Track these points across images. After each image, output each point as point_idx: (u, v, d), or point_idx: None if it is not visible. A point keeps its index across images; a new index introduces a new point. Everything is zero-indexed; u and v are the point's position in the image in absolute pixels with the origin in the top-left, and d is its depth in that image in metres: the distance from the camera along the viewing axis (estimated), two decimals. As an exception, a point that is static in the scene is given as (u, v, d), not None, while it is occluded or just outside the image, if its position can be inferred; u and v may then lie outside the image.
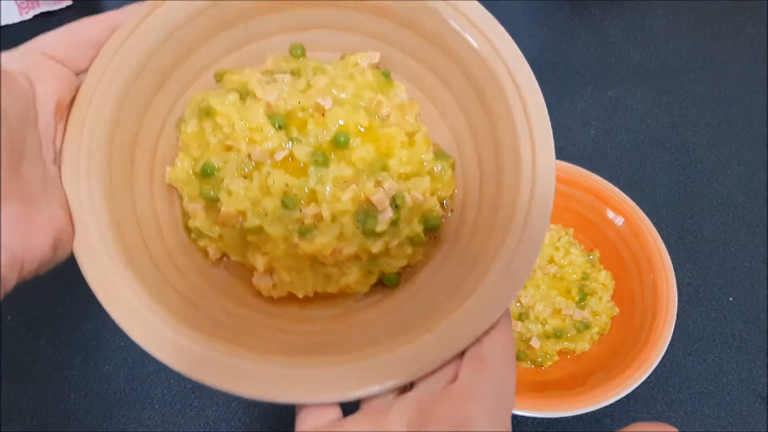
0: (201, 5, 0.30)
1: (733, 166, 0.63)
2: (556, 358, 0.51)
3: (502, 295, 0.26)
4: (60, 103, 0.27)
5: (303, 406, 0.26)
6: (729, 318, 0.55)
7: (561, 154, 0.61)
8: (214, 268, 0.31)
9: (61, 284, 0.54)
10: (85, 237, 0.26)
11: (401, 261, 0.31)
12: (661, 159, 0.64)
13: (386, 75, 0.32)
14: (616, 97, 0.68)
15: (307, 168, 0.29)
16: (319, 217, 0.29)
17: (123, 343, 0.53)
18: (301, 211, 0.29)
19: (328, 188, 0.29)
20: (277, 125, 0.30)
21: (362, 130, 0.30)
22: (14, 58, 0.26)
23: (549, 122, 0.29)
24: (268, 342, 0.28)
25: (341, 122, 0.30)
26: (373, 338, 0.27)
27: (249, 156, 0.29)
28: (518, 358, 0.51)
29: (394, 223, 0.30)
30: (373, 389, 0.25)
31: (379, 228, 0.29)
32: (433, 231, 0.32)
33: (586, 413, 0.46)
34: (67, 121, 0.28)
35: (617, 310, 0.52)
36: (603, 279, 0.53)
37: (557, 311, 0.52)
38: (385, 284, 0.31)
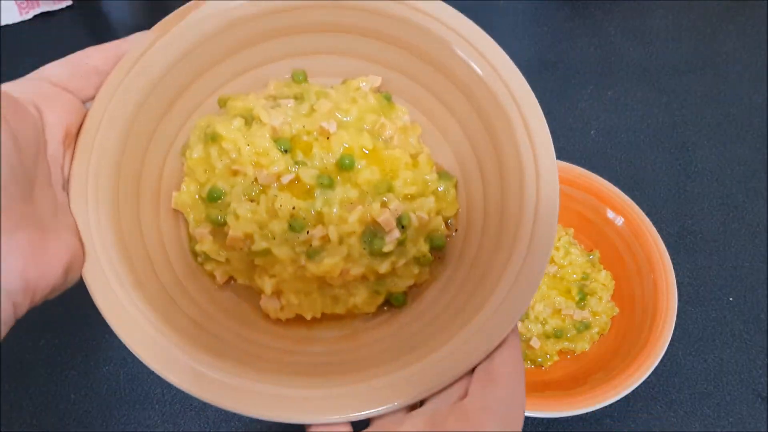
0: (204, 33, 0.30)
1: (733, 166, 0.63)
2: (556, 358, 0.51)
3: (512, 311, 0.27)
4: (68, 132, 0.27)
5: (314, 425, 0.26)
6: (729, 318, 0.55)
7: (561, 154, 0.61)
8: (222, 292, 0.31)
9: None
10: (95, 263, 0.27)
11: (408, 280, 0.31)
12: (661, 159, 0.64)
13: (388, 98, 0.33)
14: (616, 97, 0.68)
15: (313, 191, 0.30)
16: (326, 239, 0.29)
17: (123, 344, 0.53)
18: (308, 233, 0.29)
19: (334, 210, 0.29)
20: (282, 149, 0.30)
21: (366, 152, 0.31)
22: (22, 87, 0.26)
23: (547, 128, 0.29)
24: (277, 363, 0.28)
25: (346, 145, 0.30)
26: (382, 358, 0.28)
27: (255, 180, 0.30)
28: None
29: (400, 243, 0.30)
30: (384, 408, 0.26)
31: (386, 248, 0.30)
32: (438, 250, 0.32)
33: (586, 413, 0.46)
34: (74, 148, 0.28)
35: (617, 310, 0.52)
36: (603, 279, 0.53)
37: (557, 311, 0.52)
38: (392, 304, 0.31)
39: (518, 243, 0.28)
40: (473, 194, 0.32)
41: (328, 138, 0.30)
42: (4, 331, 0.23)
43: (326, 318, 0.31)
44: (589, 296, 0.52)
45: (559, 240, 0.55)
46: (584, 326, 0.51)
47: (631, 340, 0.49)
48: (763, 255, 0.58)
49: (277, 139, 0.30)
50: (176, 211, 0.32)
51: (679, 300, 0.49)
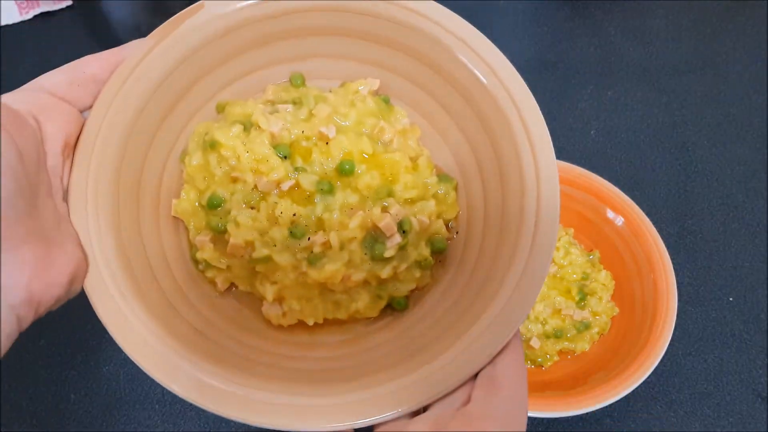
0: (202, 40, 0.30)
1: (733, 166, 0.63)
2: (556, 358, 0.51)
3: (514, 315, 0.27)
4: (67, 142, 0.27)
5: None
6: (729, 318, 0.55)
7: (561, 154, 0.61)
8: (223, 299, 0.31)
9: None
10: (95, 272, 0.27)
11: (410, 284, 0.31)
12: (661, 159, 0.64)
13: (386, 101, 0.33)
14: (616, 97, 0.68)
15: (313, 197, 0.30)
16: (327, 245, 0.29)
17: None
18: (309, 239, 0.29)
19: (335, 216, 0.30)
20: (282, 155, 0.30)
21: (366, 156, 0.31)
22: (19, 99, 0.26)
23: (546, 130, 0.29)
24: (279, 370, 0.28)
25: (345, 150, 0.30)
26: (384, 362, 0.28)
27: (255, 187, 0.30)
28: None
29: (402, 247, 0.30)
30: (388, 415, 0.26)
31: (388, 253, 0.30)
32: (439, 253, 0.32)
33: (586, 413, 0.46)
34: (73, 158, 0.28)
35: (617, 310, 0.52)
36: (603, 279, 0.53)
37: (557, 311, 0.52)
38: (394, 308, 0.31)
39: (520, 246, 0.28)
40: (473, 196, 0.32)
41: (327, 143, 0.30)
42: (8, 344, 0.23)
43: (328, 323, 0.31)
44: (589, 296, 0.52)
45: (559, 240, 0.55)
46: (584, 326, 0.51)
47: (631, 340, 0.49)
48: (763, 255, 0.58)
49: (276, 146, 0.30)
50: (176, 219, 0.31)
51: (679, 300, 0.49)
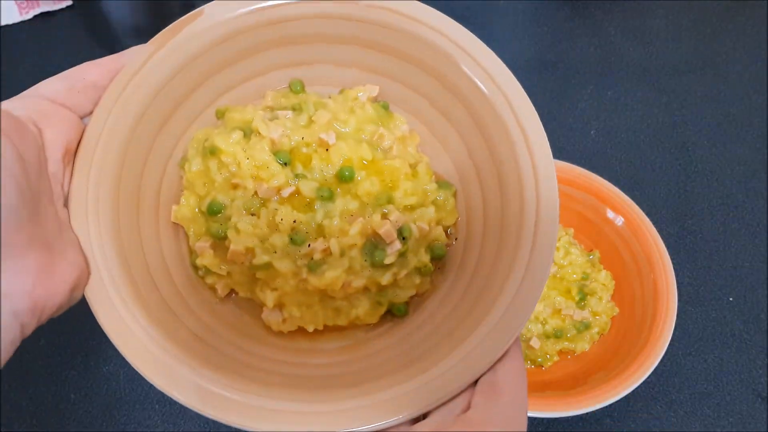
0: (201, 46, 0.30)
1: (733, 166, 0.63)
2: (556, 358, 0.51)
3: (514, 321, 0.27)
4: (67, 148, 0.27)
5: None
6: (729, 318, 0.55)
7: (561, 154, 0.61)
8: (224, 305, 0.31)
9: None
10: (96, 279, 0.27)
11: (410, 291, 0.31)
12: (661, 159, 0.64)
13: (385, 107, 0.33)
14: (616, 97, 0.68)
15: (313, 203, 0.30)
16: (327, 252, 0.29)
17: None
18: (309, 246, 0.29)
19: (335, 222, 0.30)
20: (282, 162, 0.30)
21: (366, 163, 0.31)
22: (19, 105, 0.26)
23: (544, 133, 0.29)
24: (280, 376, 0.28)
25: (345, 156, 0.30)
26: (385, 369, 0.28)
27: (256, 193, 0.30)
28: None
29: (401, 254, 0.30)
30: (388, 422, 0.26)
31: (388, 260, 0.30)
32: (439, 259, 0.32)
33: (586, 413, 0.46)
34: (73, 164, 0.28)
35: (617, 310, 0.52)
36: (603, 279, 0.53)
37: (557, 311, 0.52)
38: (394, 314, 0.31)
39: (519, 252, 0.28)
40: (472, 202, 0.32)
41: (327, 150, 0.30)
42: (11, 351, 0.23)
43: (328, 330, 0.31)
44: (589, 296, 0.52)
45: (559, 240, 0.55)
46: (584, 326, 0.51)
47: (631, 340, 0.49)
48: (763, 255, 0.58)
49: (276, 152, 0.30)
50: (176, 225, 0.31)
51: (679, 300, 0.49)
